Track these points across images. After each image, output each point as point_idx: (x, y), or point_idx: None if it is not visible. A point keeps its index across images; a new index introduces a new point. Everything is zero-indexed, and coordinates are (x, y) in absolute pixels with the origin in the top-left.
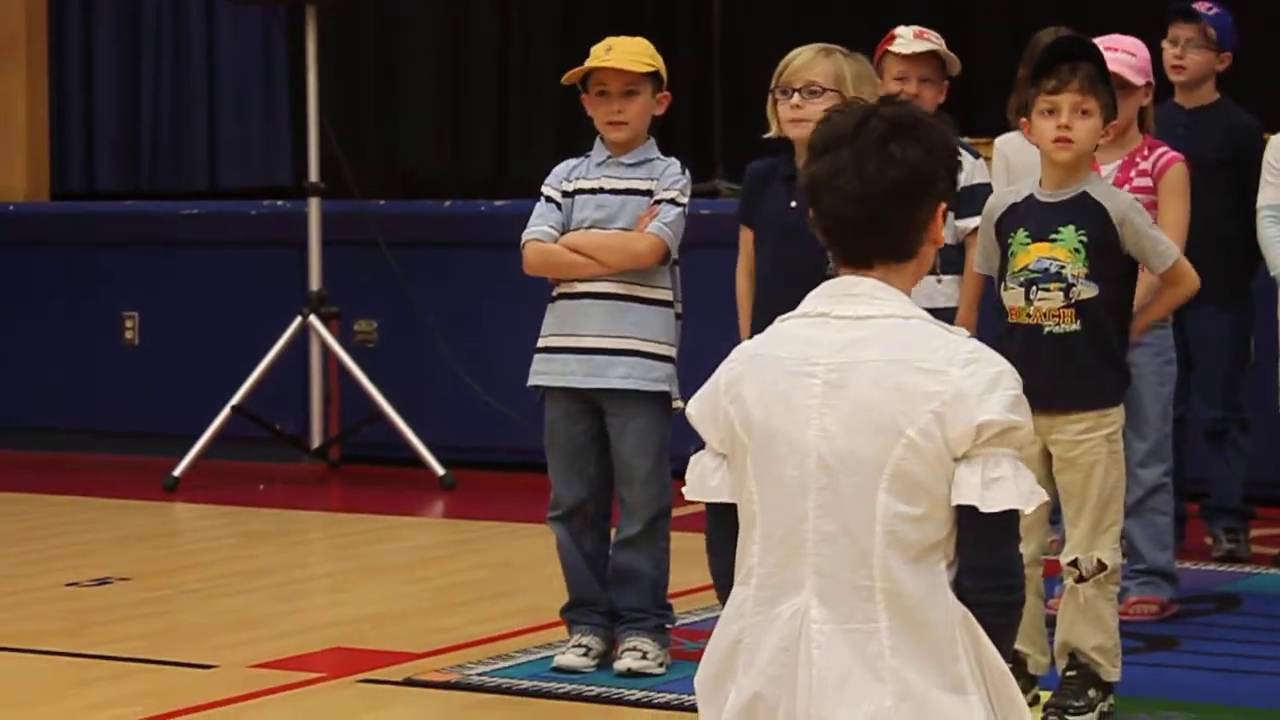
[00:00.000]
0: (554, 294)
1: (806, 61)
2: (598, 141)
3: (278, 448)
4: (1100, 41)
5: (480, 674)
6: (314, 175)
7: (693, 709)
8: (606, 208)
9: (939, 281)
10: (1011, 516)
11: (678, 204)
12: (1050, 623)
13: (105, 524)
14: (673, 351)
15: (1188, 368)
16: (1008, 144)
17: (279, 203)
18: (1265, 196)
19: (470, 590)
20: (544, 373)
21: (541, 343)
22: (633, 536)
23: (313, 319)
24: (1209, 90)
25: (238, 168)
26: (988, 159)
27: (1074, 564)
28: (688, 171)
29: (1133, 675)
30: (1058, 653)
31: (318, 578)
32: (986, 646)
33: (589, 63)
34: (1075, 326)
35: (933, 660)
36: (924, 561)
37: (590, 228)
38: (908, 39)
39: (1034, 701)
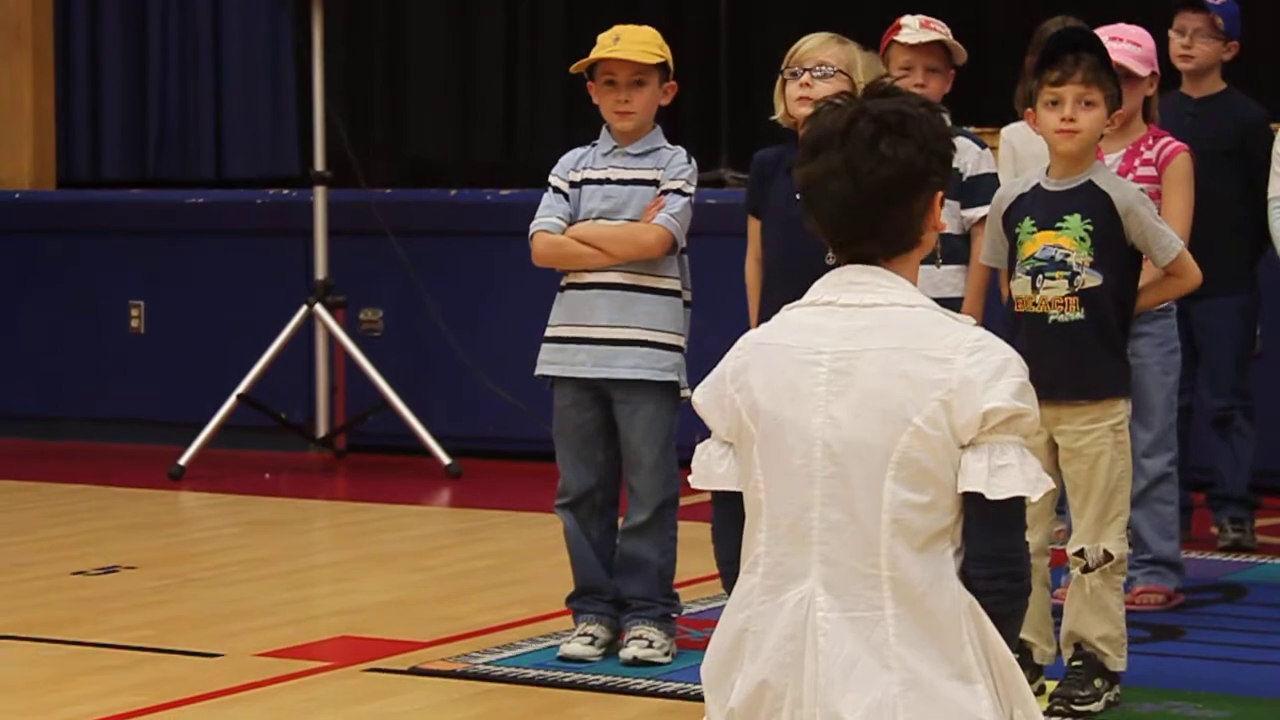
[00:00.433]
0: (562, 284)
1: (819, 44)
2: (604, 131)
3: (283, 436)
4: (1106, 31)
5: (486, 663)
6: (320, 164)
7: (699, 698)
8: (614, 198)
9: (939, 267)
10: (1018, 504)
11: (684, 194)
12: (1057, 612)
13: (111, 512)
14: (681, 341)
15: (1193, 357)
16: (1015, 134)
17: (285, 191)
18: (1276, 187)
19: (476, 579)
20: (552, 363)
21: (549, 332)
22: (640, 525)
23: (319, 308)
24: (1215, 79)
25: (244, 156)
26: (994, 149)
27: (1080, 554)
28: (694, 161)
29: (1138, 665)
30: (1064, 642)
31: (324, 566)
32: (992, 635)
33: (596, 52)
34: (1079, 315)
35: (939, 648)
36: (930, 549)
37: (598, 219)
38: (914, 28)
39: (1040, 691)
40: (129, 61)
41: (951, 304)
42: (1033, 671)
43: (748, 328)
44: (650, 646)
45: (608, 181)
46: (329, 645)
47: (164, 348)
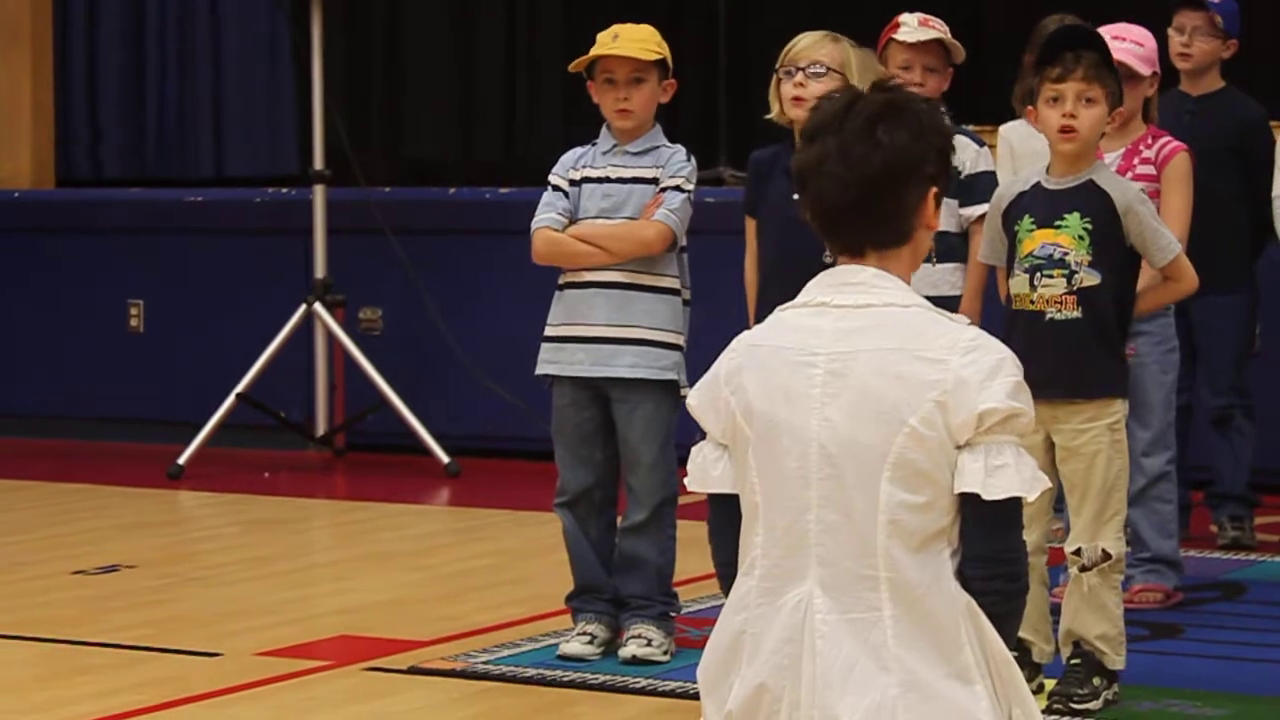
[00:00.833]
0: (561, 282)
1: (813, 43)
2: (604, 129)
3: (283, 435)
4: (1108, 30)
5: (485, 661)
6: (319, 163)
7: (697, 697)
8: (613, 197)
9: (933, 265)
10: (1014, 504)
11: (683, 191)
12: (1055, 611)
13: (111, 512)
14: (681, 339)
15: (1192, 356)
16: (1013, 132)
17: (284, 190)
18: (1278, 186)
19: (475, 578)
20: (552, 362)
21: (549, 332)
22: (639, 523)
23: (318, 306)
24: (1214, 77)
25: (243, 155)
26: (992, 147)
27: (1078, 553)
28: (693, 159)
29: (1137, 663)
30: (1062, 641)
31: (323, 565)
32: (991, 635)
33: (595, 50)
34: (1076, 314)
35: (937, 649)
36: (927, 550)
37: (597, 217)
38: (912, 27)
39: (1038, 690)
40: (128, 60)
41: (950, 302)
42: (1031, 670)
43: (747, 327)
44: (649, 645)
45: (607, 180)
46: (328, 644)
47: (163, 347)
